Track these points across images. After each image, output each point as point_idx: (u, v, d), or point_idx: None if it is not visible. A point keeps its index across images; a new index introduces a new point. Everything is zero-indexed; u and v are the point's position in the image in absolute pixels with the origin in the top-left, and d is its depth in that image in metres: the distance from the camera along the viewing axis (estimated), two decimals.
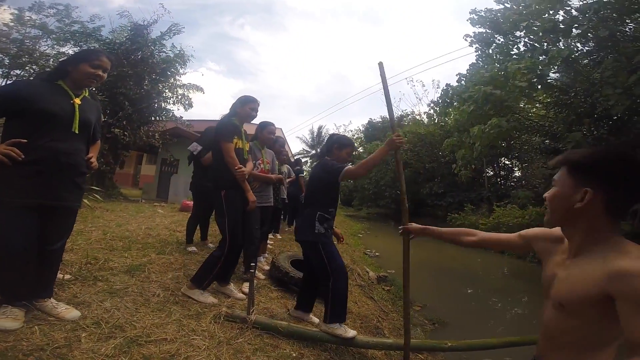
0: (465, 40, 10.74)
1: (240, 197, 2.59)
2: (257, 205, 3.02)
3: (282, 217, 6.23)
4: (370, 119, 33.25)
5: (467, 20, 10.26)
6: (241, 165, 2.55)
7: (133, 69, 8.96)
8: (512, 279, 7.91)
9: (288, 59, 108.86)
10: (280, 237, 5.74)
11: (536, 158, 15.34)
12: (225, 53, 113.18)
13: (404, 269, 2.06)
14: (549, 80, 8.74)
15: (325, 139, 2.76)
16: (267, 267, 3.56)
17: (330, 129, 43.58)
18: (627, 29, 7.54)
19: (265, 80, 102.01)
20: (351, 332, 2.29)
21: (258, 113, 2.76)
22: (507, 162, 18.61)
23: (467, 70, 10.73)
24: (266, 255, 3.99)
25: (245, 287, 2.92)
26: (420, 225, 1.81)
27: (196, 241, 4.03)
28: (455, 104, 11.54)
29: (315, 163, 2.79)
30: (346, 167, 2.38)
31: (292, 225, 6.86)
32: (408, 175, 19.81)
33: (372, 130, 31.58)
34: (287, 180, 5.04)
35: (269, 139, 3.37)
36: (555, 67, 8.42)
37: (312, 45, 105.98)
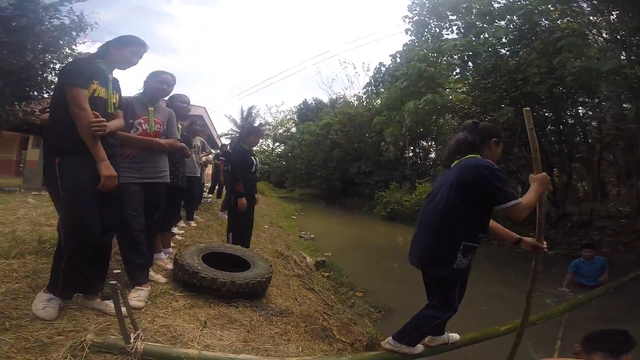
0: (404, 21, 10.60)
1: (89, 168, 1.72)
2: (139, 181, 2.19)
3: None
4: (305, 99, 33.70)
5: (408, 4, 10.18)
6: (100, 117, 1.69)
7: (10, 37, 7.16)
8: None
9: (219, 37, 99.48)
10: (195, 225, 4.79)
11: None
12: (145, 27, 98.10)
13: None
14: (478, 62, 8.93)
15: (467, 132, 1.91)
16: (170, 267, 2.71)
17: (262, 109, 42.26)
18: (545, 23, 7.96)
19: (189, 58, 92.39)
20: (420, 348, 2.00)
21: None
22: (425, 144, 20.22)
23: (402, 48, 10.67)
24: (170, 250, 3.09)
25: (134, 296, 2.10)
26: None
27: None
28: (386, 84, 11.61)
29: (459, 161, 1.89)
30: (521, 203, 1.70)
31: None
32: (338, 155, 20.55)
33: (306, 111, 31.96)
34: (202, 155, 4.09)
35: (179, 106, 2.90)
36: (488, 49, 8.61)
37: (246, 22, 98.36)
